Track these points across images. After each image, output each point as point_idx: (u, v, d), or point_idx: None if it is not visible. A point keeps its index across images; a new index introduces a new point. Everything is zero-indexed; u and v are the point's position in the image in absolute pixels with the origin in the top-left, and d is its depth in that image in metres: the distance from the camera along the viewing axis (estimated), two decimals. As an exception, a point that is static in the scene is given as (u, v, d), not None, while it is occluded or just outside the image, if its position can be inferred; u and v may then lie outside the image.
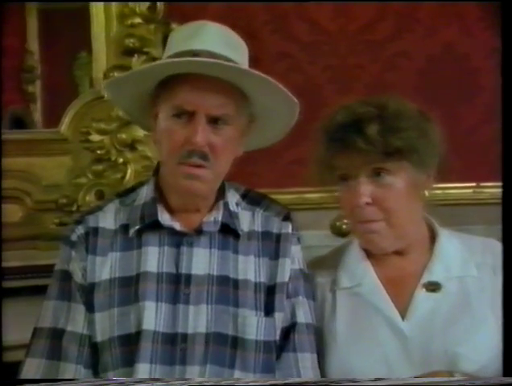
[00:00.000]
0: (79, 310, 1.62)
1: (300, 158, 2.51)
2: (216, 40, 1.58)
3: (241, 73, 1.56)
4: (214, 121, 1.56)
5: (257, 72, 1.56)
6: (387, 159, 1.62)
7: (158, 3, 2.50)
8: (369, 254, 1.73)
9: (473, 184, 2.40)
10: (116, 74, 2.46)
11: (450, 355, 1.58)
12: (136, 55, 2.50)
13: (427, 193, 1.70)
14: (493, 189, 2.30)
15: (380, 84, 2.40)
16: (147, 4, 2.50)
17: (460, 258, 1.70)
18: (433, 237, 1.74)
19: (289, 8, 2.51)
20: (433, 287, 1.66)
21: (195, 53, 1.54)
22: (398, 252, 1.71)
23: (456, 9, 2.46)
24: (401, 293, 1.67)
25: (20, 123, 2.62)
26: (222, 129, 1.57)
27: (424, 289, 1.66)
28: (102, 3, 2.50)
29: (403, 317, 1.64)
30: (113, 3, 2.50)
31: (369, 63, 2.49)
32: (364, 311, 1.67)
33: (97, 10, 2.50)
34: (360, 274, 1.71)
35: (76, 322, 1.61)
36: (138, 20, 2.50)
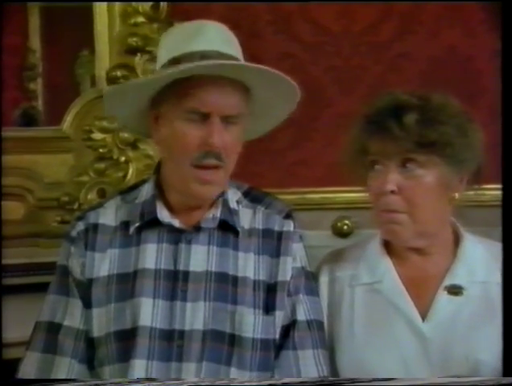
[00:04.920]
0: (76, 305, 1.63)
1: (303, 158, 2.52)
2: (220, 39, 1.59)
3: (257, 73, 1.57)
4: (225, 120, 1.56)
5: (273, 71, 1.57)
6: (420, 151, 1.59)
7: (162, 2, 2.50)
8: (391, 252, 1.72)
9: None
10: (118, 73, 2.48)
11: (471, 361, 1.56)
12: (139, 54, 2.50)
13: (457, 196, 1.67)
14: (495, 191, 2.29)
15: (383, 85, 2.40)
16: (150, 3, 2.50)
17: (484, 263, 1.67)
18: (457, 241, 1.71)
19: (292, 8, 2.51)
20: (455, 290, 1.64)
21: (204, 54, 1.54)
22: (420, 252, 1.69)
23: (459, 11, 2.45)
24: (422, 295, 1.65)
25: (31, 120, 2.63)
26: (232, 128, 1.58)
27: (446, 292, 1.64)
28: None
29: (423, 318, 1.63)
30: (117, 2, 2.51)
31: (372, 64, 2.49)
32: (383, 309, 1.66)
33: (100, 9, 2.50)
34: (381, 271, 1.69)
35: (74, 316, 1.63)
36: (141, 19, 2.50)
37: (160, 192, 1.67)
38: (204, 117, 1.55)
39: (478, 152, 1.64)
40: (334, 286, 1.72)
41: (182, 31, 1.64)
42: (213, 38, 1.58)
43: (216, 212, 1.65)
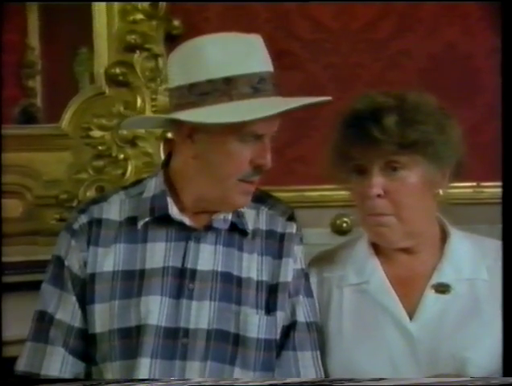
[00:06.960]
0: (69, 300, 1.62)
1: (301, 155, 2.52)
2: (266, 56, 1.58)
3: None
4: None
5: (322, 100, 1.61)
6: (402, 152, 1.59)
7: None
8: (378, 251, 1.71)
9: (474, 184, 2.40)
10: (117, 70, 2.49)
11: (458, 360, 1.56)
12: (138, 52, 2.51)
13: (441, 192, 1.67)
14: (493, 189, 2.30)
15: (381, 83, 2.40)
16: (149, 1, 2.50)
17: (471, 260, 1.66)
18: (444, 237, 1.70)
19: (291, 6, 2.51)
20: (443, 289, 1.63)
21: (261, 76, 1.53)
22: (408, 251, 1.69)
23: (457, 9, 2.45)
24: (409, 294, 1.65)
25: (31, 118, 2.63)
26: (269, 141, 1.60)
27: (433, 291, 1.64)
28: (104, 0, 2.51)
29: (411, 317, 1.62)
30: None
31: (370, 62, 2.49)
32: (371, 310, 1.66)
33: (99, 7, 2.51)
34: (368, 271, 1.69)
35: (66, 311, 1.62)
36: (139, 16, 2.51)
37: (170, 188, 1.65)
38: (257, 138, 1.55)
39: (458, 147, 1.64)
40: (323, 287, 1.72)
41: (224, 46, 1.56)
42: (263, 56, 1.57)
43: (227, 214, 1.65)
